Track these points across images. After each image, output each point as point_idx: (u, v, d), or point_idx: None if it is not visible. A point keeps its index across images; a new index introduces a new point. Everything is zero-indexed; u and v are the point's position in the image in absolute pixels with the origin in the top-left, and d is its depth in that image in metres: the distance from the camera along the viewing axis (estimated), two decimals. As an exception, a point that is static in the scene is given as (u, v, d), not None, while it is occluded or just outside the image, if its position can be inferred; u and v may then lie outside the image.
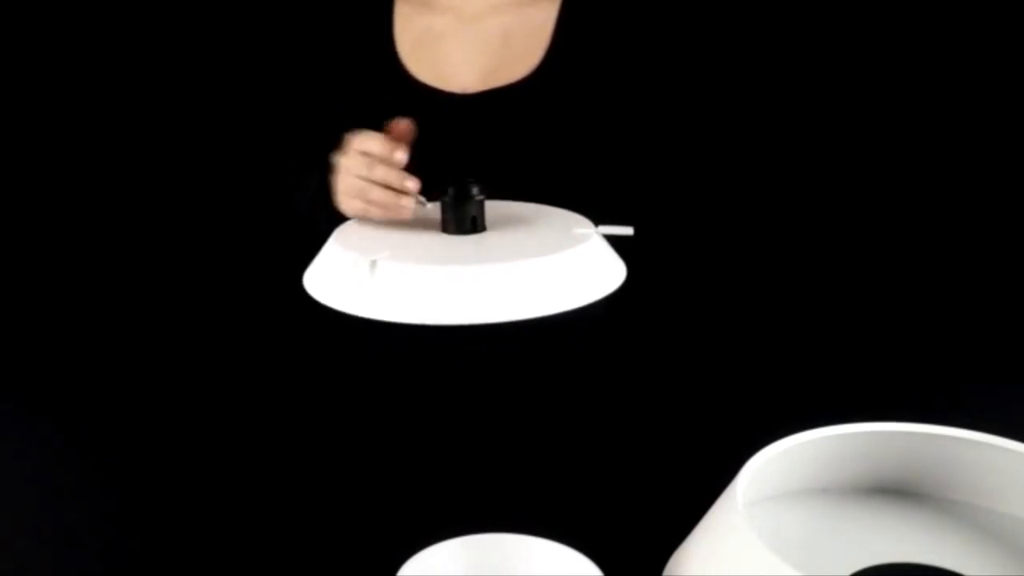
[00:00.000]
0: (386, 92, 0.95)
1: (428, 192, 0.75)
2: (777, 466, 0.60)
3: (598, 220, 0.73)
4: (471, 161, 0.85)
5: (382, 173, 0.75)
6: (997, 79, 1.21)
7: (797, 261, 1.30)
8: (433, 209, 0.74)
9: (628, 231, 0.71)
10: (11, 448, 1.23)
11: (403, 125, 0.77)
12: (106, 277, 1.40)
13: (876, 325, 1.29)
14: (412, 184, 0.74)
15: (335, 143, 0.83)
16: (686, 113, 0.99)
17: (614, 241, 0.72)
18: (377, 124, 0.81)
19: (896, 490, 0.64)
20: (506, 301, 0.61)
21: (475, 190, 0.72)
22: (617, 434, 1.04)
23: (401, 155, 0.75)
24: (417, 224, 0.74)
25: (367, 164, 0.76)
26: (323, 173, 0.85)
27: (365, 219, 0.78)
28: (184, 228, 1.40)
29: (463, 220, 0.72)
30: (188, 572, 1.05)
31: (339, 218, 0.80)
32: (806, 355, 1.29)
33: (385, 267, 0.64)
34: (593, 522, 0.84)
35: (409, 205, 0.74)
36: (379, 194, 0.75)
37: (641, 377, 1.12)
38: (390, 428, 1.00)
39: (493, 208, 0.76)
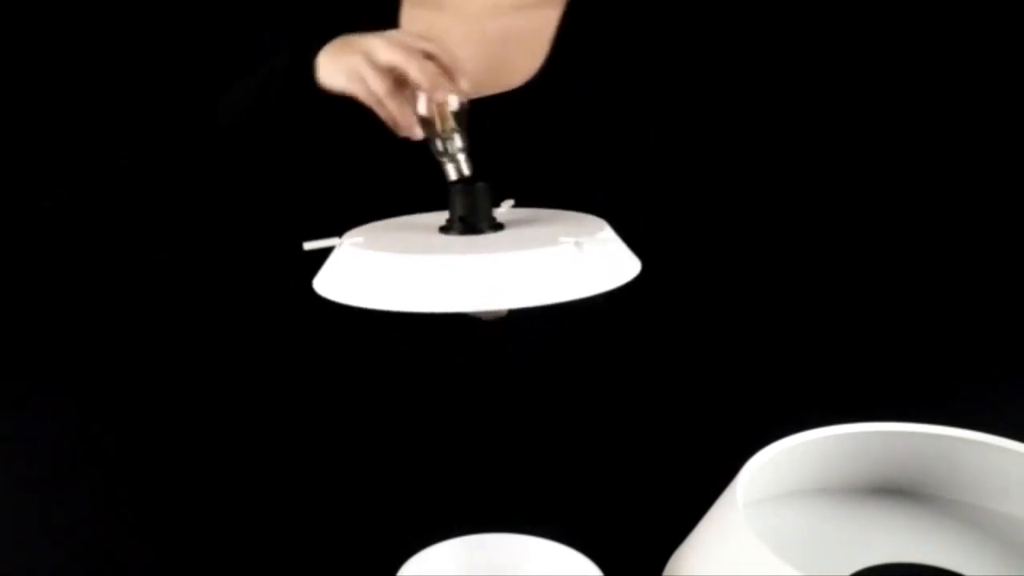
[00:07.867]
0: None
1: (432, 190, 0.75)
2: (777, 466, 0.60)
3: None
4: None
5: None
6: (997, 79, 1.21)
7: (796, 261, 1.29)
8: None
9: (612, 236, 0.70)
10: (10, 443, 1.22)
11: None
12: (103, 273, 1.40)
13: (876, 325, 1.29)
14: (454, 101, 0.74)
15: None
16: (686, 122, 0.99)
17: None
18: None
19: (896, 490, 0.64)
20: (443, 293, 0.61)
21: (467, 189, 0.71)
22: (617, 434, 1.04)
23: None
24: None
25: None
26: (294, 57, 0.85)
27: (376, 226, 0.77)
28: (185, 224, 1.40)
29: (452, 217, 0.71)
30: (188, 571, 1.04)
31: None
32: (806, 355, 1.29)
33: (350, 252, 0.66)
34: (593, 522, 0.84)
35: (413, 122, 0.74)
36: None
37: (641, 376, 1.11)
38: (390, 428, 1.00)
39: (529, 213, 0.76)
